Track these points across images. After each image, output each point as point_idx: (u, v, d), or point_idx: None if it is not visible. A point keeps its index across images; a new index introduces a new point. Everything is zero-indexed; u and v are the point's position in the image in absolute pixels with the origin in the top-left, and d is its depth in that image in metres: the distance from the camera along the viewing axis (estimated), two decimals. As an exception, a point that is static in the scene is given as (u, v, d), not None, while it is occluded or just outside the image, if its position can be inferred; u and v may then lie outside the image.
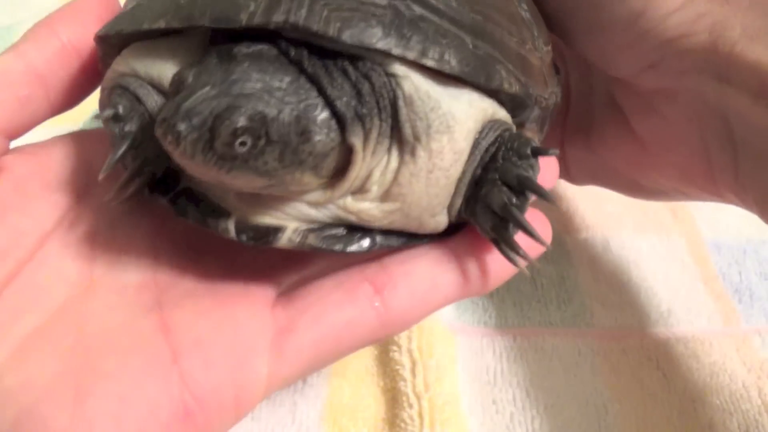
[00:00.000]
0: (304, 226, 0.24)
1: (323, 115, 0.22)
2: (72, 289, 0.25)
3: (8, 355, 0.22)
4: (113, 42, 0.26)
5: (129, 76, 0.25)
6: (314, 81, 0.22)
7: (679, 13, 0.27)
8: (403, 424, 0.32)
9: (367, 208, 0.24)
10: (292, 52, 0.22)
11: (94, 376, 0.22)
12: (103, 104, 0.26)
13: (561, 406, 0.34)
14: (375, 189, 0.24)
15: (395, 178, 0.24)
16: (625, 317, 0.38)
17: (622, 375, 0.36)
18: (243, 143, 0.20)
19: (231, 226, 0.24)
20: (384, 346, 0.35)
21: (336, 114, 0.22)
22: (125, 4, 0.29)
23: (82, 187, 0.27)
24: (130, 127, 0.24)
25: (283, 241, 0.24)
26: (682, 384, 0.35)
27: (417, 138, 0.23)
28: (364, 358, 0.35)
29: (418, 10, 0.23)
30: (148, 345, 0.23)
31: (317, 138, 0.22)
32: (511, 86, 0.24)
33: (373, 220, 0.25)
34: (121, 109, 0.24)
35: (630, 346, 0.37)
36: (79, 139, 0.28)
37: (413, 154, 0.23)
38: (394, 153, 0.24)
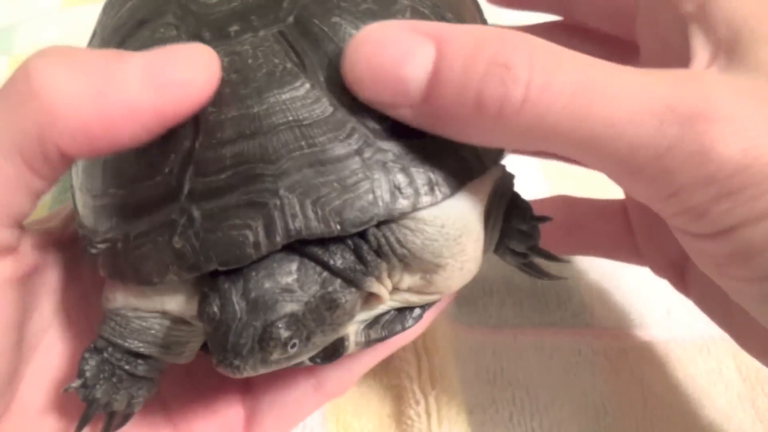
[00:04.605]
0: (361, 326, 0.26)
1: (338, 282, 0.23)
2: None
3: None
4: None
5: (120, 310, 0.25)
6: (316, 260, 0.23)
7: None
8: (409, 421, 0.32)
9: (411, 299, 0.26)
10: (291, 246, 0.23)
11: None
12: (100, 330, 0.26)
13: (560, 406, 0.34)
14: (410, 289, 0.25)
15: (430, 283, 0.25)
16: (625, 317, 0.38)
17: (622, 375, 0.36)
18: (293, 345, 0.22)
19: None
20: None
21: (345, 280, 0.23)
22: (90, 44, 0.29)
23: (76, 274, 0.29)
24: (94, 394, 0.26)
25: (352, 347, 0.26)
26: (681, 387, 0.35)
27: (438, 255, 0.24)
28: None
29: (387, 147, 0.23)
30: None
31: (344, 300, 0.23)
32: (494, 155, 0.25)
33: (419, 304, 0.26)
34: (87, 374, 0.25)
35: (630, 346, 0.37)
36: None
37: (440, 264, 0.24)
38: (417, 270, 0.25)
